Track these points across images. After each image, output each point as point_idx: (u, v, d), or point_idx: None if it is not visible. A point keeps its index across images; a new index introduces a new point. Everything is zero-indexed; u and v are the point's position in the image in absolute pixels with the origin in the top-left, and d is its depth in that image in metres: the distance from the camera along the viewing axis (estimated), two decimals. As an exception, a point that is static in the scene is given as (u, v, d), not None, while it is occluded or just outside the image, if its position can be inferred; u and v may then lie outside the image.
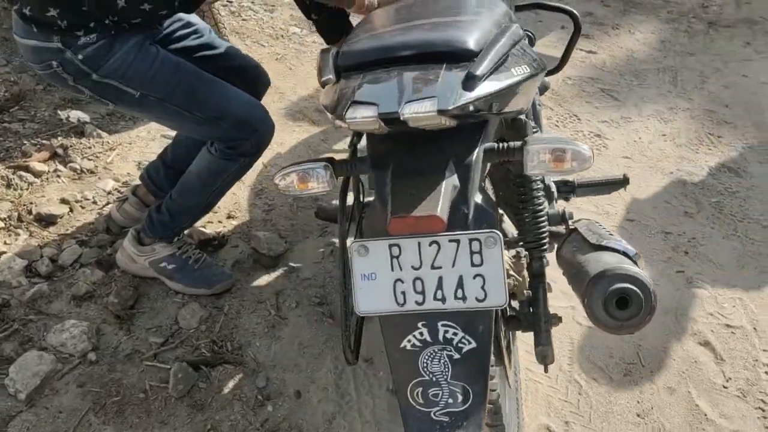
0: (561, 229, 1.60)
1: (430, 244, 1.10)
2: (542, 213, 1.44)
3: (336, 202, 2.15)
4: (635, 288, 1.18)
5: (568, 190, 1.72)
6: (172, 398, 1.81)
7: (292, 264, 2.27)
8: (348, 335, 1.33)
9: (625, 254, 1.33)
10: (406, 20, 1.29)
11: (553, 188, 1.68)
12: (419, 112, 1.02)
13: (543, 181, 1.56)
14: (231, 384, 1.86)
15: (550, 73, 2.08)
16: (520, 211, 1.43)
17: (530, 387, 1.92)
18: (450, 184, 1.11)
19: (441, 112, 1.02)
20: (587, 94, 3.40)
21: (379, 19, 1.38)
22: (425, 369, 1.14)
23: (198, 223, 2.25)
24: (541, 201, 1.44)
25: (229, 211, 2.47)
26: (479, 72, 1.08)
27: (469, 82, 1.06)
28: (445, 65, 1.10)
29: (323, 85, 1.19)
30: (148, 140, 2.76)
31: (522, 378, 1.92)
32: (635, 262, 1.32)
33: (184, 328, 2.00)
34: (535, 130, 1.57)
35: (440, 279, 1.11)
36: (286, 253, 2.31)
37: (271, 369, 1.92)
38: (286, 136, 2.95)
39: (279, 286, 2.19)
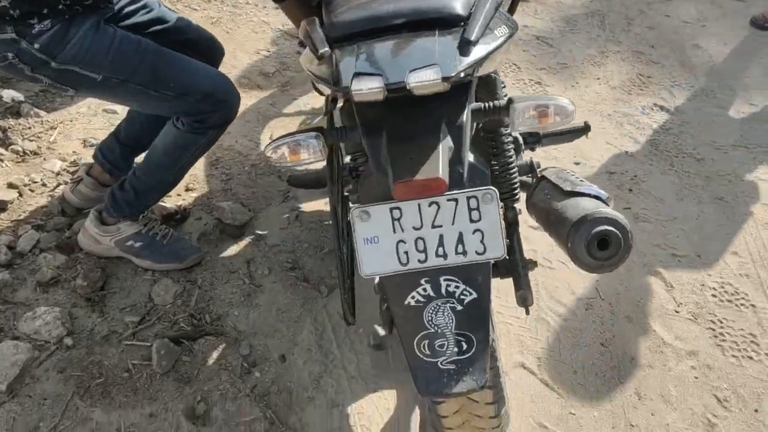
0: (528, 179, 1.68)
1: (430, 205, 1.14)
2: (512, 164, 1.51)
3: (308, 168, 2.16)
4: (615, 230, 1.27)
5: (534, 140, 1.79)
6: (157, 374, 1.81)
7: (258, 232, 2.27)
8: (347, 298, 1.37)
9: (598, 198, 1.42)
10: None
11: (521, 140, 1.74)
12: (424, 80, 1.05)
13: (511, 134, 1.62)
14: (215, 355, 1.88)
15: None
16: (492, 165, 1.49)
17: (503, 329, 2.03)
18: (446, 145, 1.15)
19: (445, 79, 1.05)
20: (524, 43, 3.48)
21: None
22: (430, 322, 1.19)
23: (157, 198, 2.21)
24: (510, 153, 1.51)
25: (187, 184, 2.43)
26: (473, 37, 1.11)
27: (465, 47, 1.10)
28: (437, 32, 1.13)
29: (320, 57, 1.19)
30: (90, 116, 2.65)
31: (495, 320, 2.02)
32: (608, 205, 1.42)
33: (159, 305, 1.98)
34: (503, 85, 1.62)
35: (441, 237, 1.16)
36: (251, 221, 2.31)
37: (253, 336, 1.94)
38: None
39: (248, 254, 2.19)
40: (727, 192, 2.56)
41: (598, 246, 1.29)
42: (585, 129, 1.80)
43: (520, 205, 1.51)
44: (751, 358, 1.95)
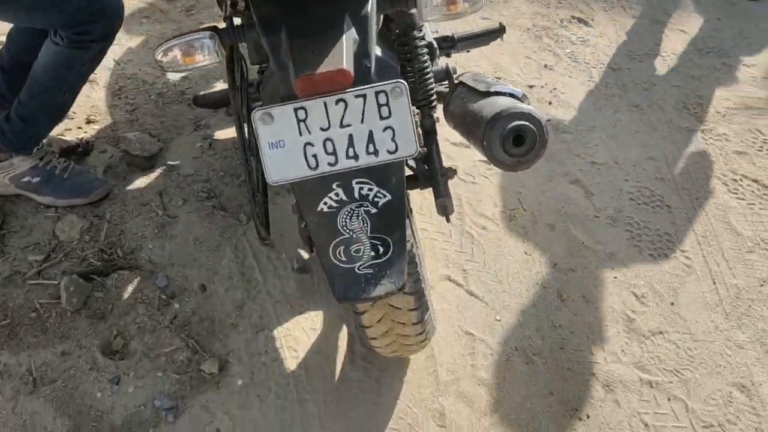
0: (444, 87, 1.63)
1: (337, 103, 1.07)
2: (427, 70, 1.46)
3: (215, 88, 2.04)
4: (529, 124, 1.24)
5: (449, 45, 1.74)
6: (67, 312, 1.72)
7: (170, 162, 2.15)
8: (258, 212, 1.30)
9: (513, 96, 1.39)
10: None
11: (435, 45, 1.68)
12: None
13: (425, 39, 1.56)
14: (130, 289, 1.79)
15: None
16: (406, 72, 1.44)
17: (428, 244, 2.01)
18: (350, 38, 1.08)
19: None
20: (440, -41, 3.38)
21: None
22: (344, 227, 1.15)
23: (55, 132, 2.05)
24: (425, 58, 1.45)
25: (88, 116, 2.27)
26: None
27: None
28: None
29: None
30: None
31: (420, 237, 2.00)
32: (523, 102, 1.39)
33: (65, 242, 1.86)
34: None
35: (350, 137, 1.10)
36: (162, 151, 2.18)
37: (170, 268, 1.86)
38: (134, 29, 2.70)
39: (161, 186, 2.08)
40: (642, 99, 2.59)
41: (513, 142, 1.26)
42: (500, 30, 1.75)
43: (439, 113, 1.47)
44: (666, 255, 2.01)
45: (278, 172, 1.10)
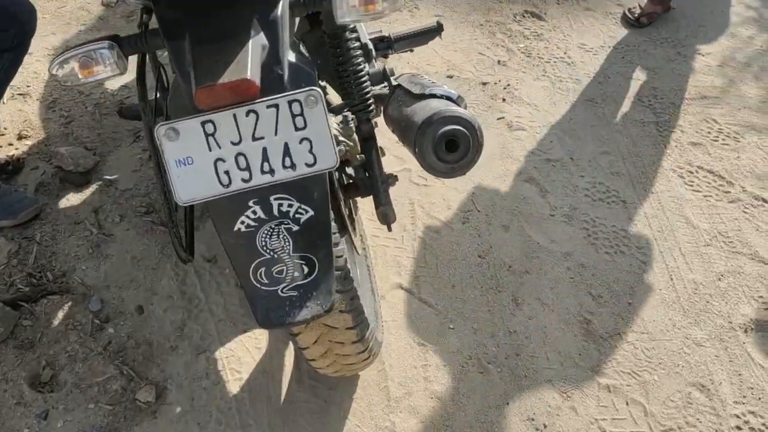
0: (385, 90, 1.56)
1: (247, 114, 0.99)
2: (362, 73, 1.39)
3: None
4: (461, 128, 1.18)
5: (385, 46, 1.66)
6: (-5, 344, 1.62)
7: (107, 177, 2.05)
8: (176, 232, 1.22)
9: (448, 98, 1.32)
10: None
11: (371, 46, 1.61)
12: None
13: (359, 40, 1.49)
14: (60, 315, 1.69)
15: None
16: (340, 75, 1.37)
17: (379, 251, 1.94)
18: (257, 44, 1.00)
19: None
20: (391, -45, 3.30)
21: None
22: (264, 247, 1.07)
23: (-18, 149, 1.94)
24: (359, 61, 1.38)
25: (19, 131, 2.16)
26: None
27: None
28: None
29: None
30: None
31: (370, 245, 1.93)
32: (458, 105, 1.32)
33: (-8, 267, 1.76)
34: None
35: (265, 150, 1.02)
36: (98, 165, 2.08)
37: (105, 290, 1.76)
38: (70, 38, 2.58)
39: (96, 202, 1.98)
40: (597, 93, 2.55)
41: (446, 147, 1.20)
42: (438, 29, 1.68)
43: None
44: (623, 252, 1.96)
45: (187, 191, 1.02)
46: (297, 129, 1.02)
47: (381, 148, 1.43)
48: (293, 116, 1.01)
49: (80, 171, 2.02)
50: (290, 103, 1.00)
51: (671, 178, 2.19)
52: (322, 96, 1.00)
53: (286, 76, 1.03)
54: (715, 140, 2.34)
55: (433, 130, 1.18)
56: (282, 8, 1.05)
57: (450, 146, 1.19)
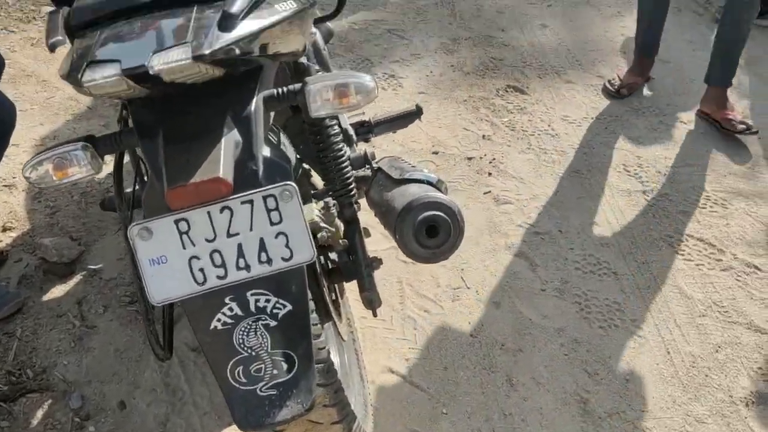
0: (368, 172, 1.56)
1: (222, 211, 0.99)
2: (344, 158, 1.39)
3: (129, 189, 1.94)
4: (441, 213, 1.18)
5: (365, 130, 1.68)
6: (-30, 448, 1.55)
7: (91, 267, 2.03)
8: (153, 329, 1.19)
9: (428, 183, 1.32)
10: None
11: (351, 131, 1.63)
12: (171, 61, 0.89)
13: (340, 126, 1.50)
14: (40, 414, 1.63)
15: (329, 17, 2.01)
16: (322, 161, 1.37)
17: (368, 334, 1.90)
18: (230, 141, 1.00)
19: (197, 58, 0.90)
20: (375, 37, 3.40)
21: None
22: (242, 345, 1.04)
23: (-35, 243, 1.93)
24: (340, 146, 1.39)
25: (4, 223, 2.15)
26: (235, 9, 0.96)
27: (226, 22, 0.95)
28: (196, 7, 0.98)
29: (52, 49, 1.01)
30: None
31: (358, 327, 1.89)
32: (438, 189, 1.32)
33: (-30, 366, 1.71)
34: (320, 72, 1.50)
35: (240, 246, 1.00)
36: (83, 255, 2.06)
37: (86, 385, 1.71)
38: (59, 128, 2.61)
39: (80, 293, 1.95)
40: (582, 164, 2.57)
41: (426, 233, 1.19)
42: (417, 112, 1.70)
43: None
44: (617, 326, 1.93)
45: (161, 291, 0.99)
46: (272, 224, 1.01)
47: (366, 228, 1.42)
48: (268, 211, 1.00)
49: (64, 262, 2.00)
50: (265, 198, 1.00)
51: (662, 248, 2.17)
52: (297, 190, 1.00)
53: (260, 171, 1.02)
54: (704, 207, 2.34)
55: (412, 216, 1.18)
56: (256, 104, 1.06)
57: (430, 232, 1.18)
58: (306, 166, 1.56)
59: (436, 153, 2.63)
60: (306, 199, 1.45)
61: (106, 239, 2.13)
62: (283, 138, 1.43)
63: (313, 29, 1.76)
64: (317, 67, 1.54)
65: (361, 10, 3.63)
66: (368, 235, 1.45)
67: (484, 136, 2.73)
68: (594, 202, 2.38)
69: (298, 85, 1.10)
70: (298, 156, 1.48)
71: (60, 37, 0.99)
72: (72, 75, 0.93)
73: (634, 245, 2.19)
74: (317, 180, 1.65)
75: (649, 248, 2.17)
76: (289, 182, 1.00)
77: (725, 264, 2.11)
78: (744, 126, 2.58)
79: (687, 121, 2.80)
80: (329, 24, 2.11)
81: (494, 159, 2.60)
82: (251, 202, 0.99)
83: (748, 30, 2.59)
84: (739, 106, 2.80)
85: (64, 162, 1.05)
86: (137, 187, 1.46)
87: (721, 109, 2.65)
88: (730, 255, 2.13)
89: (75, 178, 1.07)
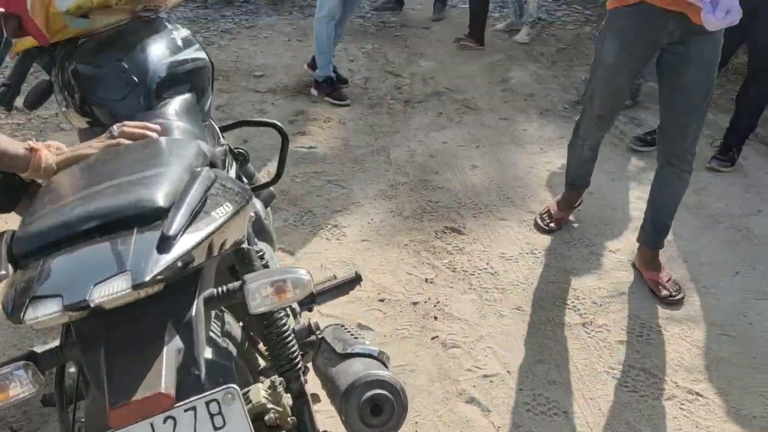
0: (314, 338, 1.60)
1: (165, 421, 1.00)
2: (288, 334, 1.43)
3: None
4: (384, 392, 1.22)
5: (309, 301, 1.73)
6: None
7: (32, 459, 1.95)
8: None
9: (370, 356, 1.37)
10: (89, 185, 1.20)
11: (295, 305, 1.68)
12: (111, 293, 0.94)
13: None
14: None
15: (269, 184, 2.13)
16: (266, 338, 1.41)
17: (326, 505, 1.85)
18: (172, 349, 1.04)
19: (137, 287, 0.95)
20: (316, 188, 3.54)
21: (59, 187, 1.27)
22: None
23: None
24: (284, 322, 1.43)
25: (-61, 419, 2.07)
26: (173, 231, 1.03)
27: (165, 243, 1.01)
28: (136, 230, 1.04)
29: None
30: None
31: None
32: (381, 361, 1.37)
33: None
34: (261, 253, 1.57)
35: (183, 454, 1.01)
36: (23, 447, 1.98)
37: None
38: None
39: (20, 489, 1.86)
40: (523, 300, 2.66)
41: (371, 412, 1.22)
42: (357, 279, 1.77)
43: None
44: (573, 469, 1.94)
45: None
46: (216, 428, 1.03)
47: (315, 394, 1.44)
48: (211, 416, 1.03)
49: (4, 456, 1.91)
50: (207, 403, 1.02)
51: (606, 381, 2.24)
52: (239, 392, 1.03)
53: (203, 376, 1.06)
54: (640, 336, 2.44)
55: (356, 397, 1.22)
56: (196, 307, 1.11)
57: (375, 411, 1.21)
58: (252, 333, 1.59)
59: (382, 300, 2.69)
60: (253, 376, 1.47)
61: (48, 426, 2.06)
62: (228, 318, 1.47)
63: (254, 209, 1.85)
64: (257, 248, 1.60)
65: (301, 163, 3.80)
66: (318, 400, 1.47)
67: (426, 279, 2.82)
68: (538, 339, 2.45)
69: (237, 284, 1.16)
70: (244, 330, 1.51)
71: (3, 272, 1.03)
72: (14, 314, 0.96)
73: (580, 380, 2.25)
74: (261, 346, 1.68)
75: (594, 383, 2.23)
76: (231, 385, 1.03)
77: (668, 393, 2.17)
78: (668, 293, 2.62)
79: (615, 250, 2.97)
80: (271, 188, 2.22)
81: (438, 302, 2.67)
82: (194, 408, 1.02)
83: (680, 198, 2.66)
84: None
85: (5, 383, 1.06)
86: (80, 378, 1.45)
87: (651, 269, 2.72)
88: (672, 383, 2.21)
89: (17, 399, 1.08)
